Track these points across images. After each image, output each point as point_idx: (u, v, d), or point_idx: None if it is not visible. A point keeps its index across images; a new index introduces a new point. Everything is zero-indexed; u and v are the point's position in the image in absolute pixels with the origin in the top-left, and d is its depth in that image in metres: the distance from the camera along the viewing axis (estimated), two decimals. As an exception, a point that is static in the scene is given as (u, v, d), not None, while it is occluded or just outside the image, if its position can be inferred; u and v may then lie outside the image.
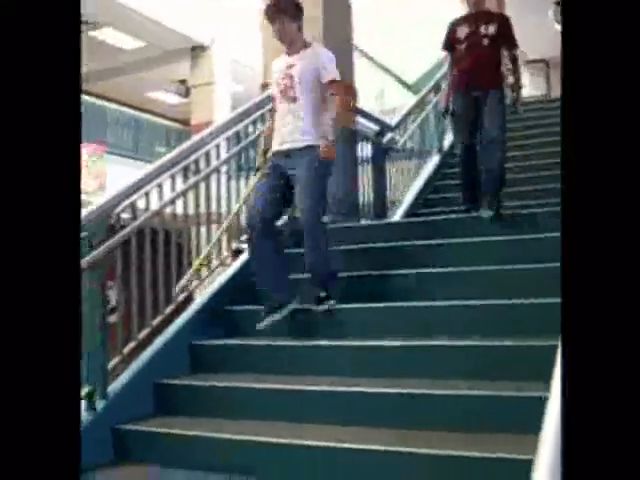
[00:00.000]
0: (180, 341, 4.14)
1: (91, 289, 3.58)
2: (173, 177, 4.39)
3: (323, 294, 4.15)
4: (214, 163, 4.79)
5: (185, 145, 4.67)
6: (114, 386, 3.71)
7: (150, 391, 3.85)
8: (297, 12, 4.28)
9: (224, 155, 4.90)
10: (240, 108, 5.24)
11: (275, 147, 4.31)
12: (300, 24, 4.29)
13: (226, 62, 14.98)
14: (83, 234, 3.48)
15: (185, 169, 4.52)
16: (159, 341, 4.05)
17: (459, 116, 5.52)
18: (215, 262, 4.72)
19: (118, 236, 3.81)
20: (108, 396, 3.62)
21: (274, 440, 3.22)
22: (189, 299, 4.41)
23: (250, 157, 5.20)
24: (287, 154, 4.22)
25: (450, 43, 5.58)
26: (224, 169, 4.97)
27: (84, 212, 3.56)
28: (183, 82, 16.32)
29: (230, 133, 4.99)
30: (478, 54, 5.33)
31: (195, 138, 4.80)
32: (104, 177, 13.88)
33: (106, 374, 3.65)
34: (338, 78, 4.24)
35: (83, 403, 3.48)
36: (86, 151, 13.77)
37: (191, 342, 4.17)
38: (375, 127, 6.69)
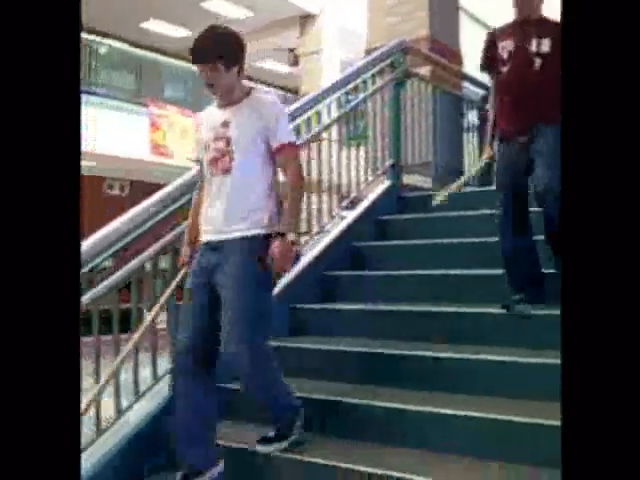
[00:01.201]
0: (313, 272, 4.51)
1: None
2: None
3: (272, 434, 3.09)
4: (325, 121, 4.83)
5: (292, 107, 4.61)
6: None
7: (286, 315, 4.22)
8: (236, 50, 3.10)
9: (330, 118, 4.94)
10: (343, 74, 5.29)
11: (202, 237, 3.14)
12: (241, 65, 3.12)
13: (334, 30, 15.01)
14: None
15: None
16: (293, 272, 4.33)
17: (501, 171, 3.87)
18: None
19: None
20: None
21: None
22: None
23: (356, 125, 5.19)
24: (216, 247, 3.05)
25: (490, 62, 3.96)
26: (334, 134, 5.00)
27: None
28: (292, 51, 16.48)
29: (338, 95, 5.01)
30: (526, 81, 3.73)
31: (302, 100, 4.77)
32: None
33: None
34: (292, 140, 3.12)
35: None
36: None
37: (322, 273, 4.57)
38: (481, 92, 6.61)
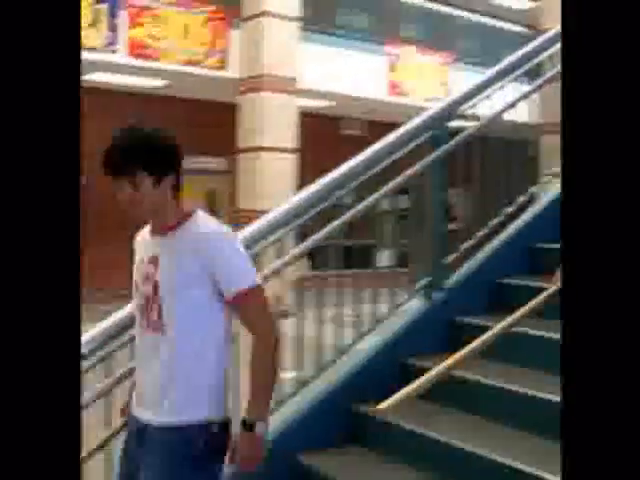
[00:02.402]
0: (519, 243, 4.18)
1: (435, 194, 3.82)
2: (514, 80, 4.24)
3: None
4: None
5: (528, 47, 4.40)
6: (451, 280, 3.93)
7: (485, 288, 3.99)
8: (167, 157, 2.25)
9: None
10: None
11: (133, 407, 2.38)
12: (174, 177, 2.25)
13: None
14: (427, 134, 3.70)
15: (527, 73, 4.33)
16: (496, 242, 4.14)
17: None
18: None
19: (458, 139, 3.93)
20: (444, 289, 3.88)
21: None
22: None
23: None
24: (141, 432, 2.27)
25: None
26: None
27: (425, 115, 3.77)
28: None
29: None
30: None
31: (539, 39, 4.51)
32: (449, 86, 14.12)
33: (443, 268, 3.90)
34: (252, 282, 2.21)
35: (421, 293, 3.78)
36: (434, 60, 14.12)
37: (530, 245, 4.15)
38: None
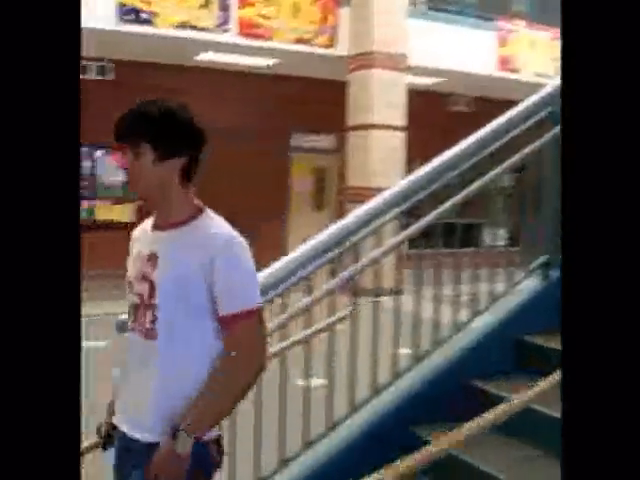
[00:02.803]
0: None
1: (554, 172, 3.78)
2: None
3: None
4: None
5: None
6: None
7: None
8: (180, 136, 2.02)
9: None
10: None
11: (117, 417, 2.14)
12: (185, 161, 2.03)
13: None
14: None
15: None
16: None
17: None
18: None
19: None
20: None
21: None
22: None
23: None
24: (127, 444, 2.06)
25: None
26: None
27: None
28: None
29: None
30: None
31: None
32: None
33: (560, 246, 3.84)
34: (251, 305, 1.99)
35: (538, 272, 3.76)
36: (545, 35, 13.77)
37: None
38: None
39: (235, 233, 2.01)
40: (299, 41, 11.54)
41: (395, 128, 11.39)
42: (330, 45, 11.80)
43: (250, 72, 12.64)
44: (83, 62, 11.83)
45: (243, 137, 12.56)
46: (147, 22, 10.37)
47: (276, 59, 12.07)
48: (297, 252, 3.07)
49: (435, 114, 14.11)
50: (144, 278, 2.02)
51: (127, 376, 2.10)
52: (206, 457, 1.99)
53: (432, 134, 11.32)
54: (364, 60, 11.36)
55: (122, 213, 12.26)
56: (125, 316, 2.13)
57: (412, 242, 3.66)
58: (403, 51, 11.41)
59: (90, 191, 12.11)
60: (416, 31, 11.67)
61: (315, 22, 11.64)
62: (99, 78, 11.96)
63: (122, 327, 2.24)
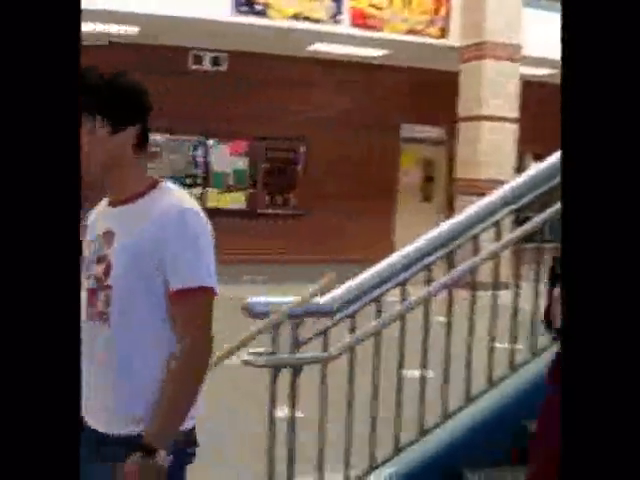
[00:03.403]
0: None
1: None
2: None
3: None
4: None
5: None
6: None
7: None
8: (132, 104, 1.93)
9: None
10: None
11: (85, 415, 1.94)
12: (138, 131, 1.93)
13: None
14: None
15: None
16: None
17: None
18: None
19: None
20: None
21: None
22: None
23: None
24: (93, 442, 1.91)
25: None
26: None
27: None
28: None
29: None
30: None
31: None
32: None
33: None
34: (205, 282, 1.88)
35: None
36: None
37: None
38: None
39: (192, 205, 1.90)
40: (410, 32, 11.48)
41: (507, 120, 11.18)
42: (442, 35, 11.69)
43: (360, 62, 12.67)
44: (198, 52, 12.16)
45: (353, 127, 12.63)
46: (261, 13, 10.55)
47: (386, 50, 12.05)
48: (418, 242, 3.08)
49: (549, 106, 13.76)
50: (100, 260, 1.90)
51: (86, 366, 1.79)
52: (179, 452, 1.87)
53: (545, 126, 11.06)
54: (476, 51, 11.19)
55: (232, 200, 12.55)
56: None
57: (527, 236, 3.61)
58: (517, 41, 11.17)
59: (203, 178, 12.44)
60: (531, 20, 11.39)
61: (427, 12, 11.55)
62: (213, 69, 12.25)
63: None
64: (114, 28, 10.49)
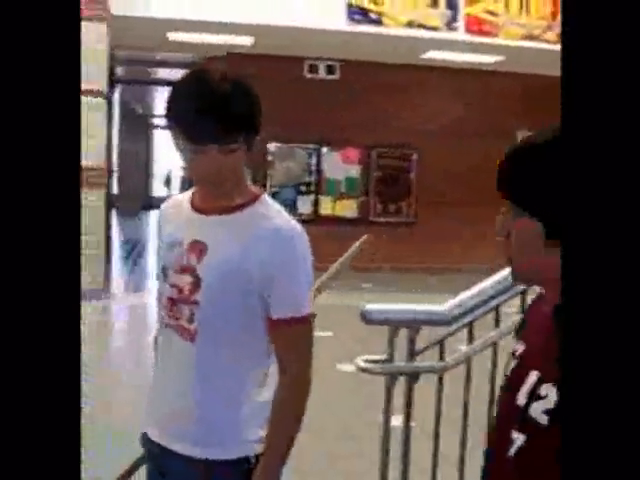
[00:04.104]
0: None
1: None
2: None
3: None
4: None
5: None
6: None
7: None
8: (248, 120, 1.75)
9: None
10: None
11: (147, 427, 1.92)
12: (241, 148, 1.74)
13: None
14: None
15: None
16: None
17: None
18: None
19: None
20: None
21: None
22: None
23: None
24: (160, 461, 1.88)
25: None
26: None
27: None
28: None
29: None
30: None
31: None
32: None
33: None
34: (304, 311, 1.79)
35: None
36: None
37: None
38: None
39: (296, 225, 1.80)
40: (527, 37, 11.25)
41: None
42: (559, 41, 11.39)
43: (473, 69, 12.51)
44: (314, 62, 12.31)
45: (466, 134, 12.48)
46: (376, 22, 10.57)
47: (501, 56, 11.85)
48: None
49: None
50: (186, 270, 1.77)
51: (159, 377, 1.89)
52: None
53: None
54: (597, 55, 10.86)
55: (344, 208, 12.62)
56: None
57: None
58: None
59: (316, 185, 12.58)
60: None
61: (545, 17, 11.29)
62: (328, 77, 12.38)
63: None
64: (230, 39, 10.74)
